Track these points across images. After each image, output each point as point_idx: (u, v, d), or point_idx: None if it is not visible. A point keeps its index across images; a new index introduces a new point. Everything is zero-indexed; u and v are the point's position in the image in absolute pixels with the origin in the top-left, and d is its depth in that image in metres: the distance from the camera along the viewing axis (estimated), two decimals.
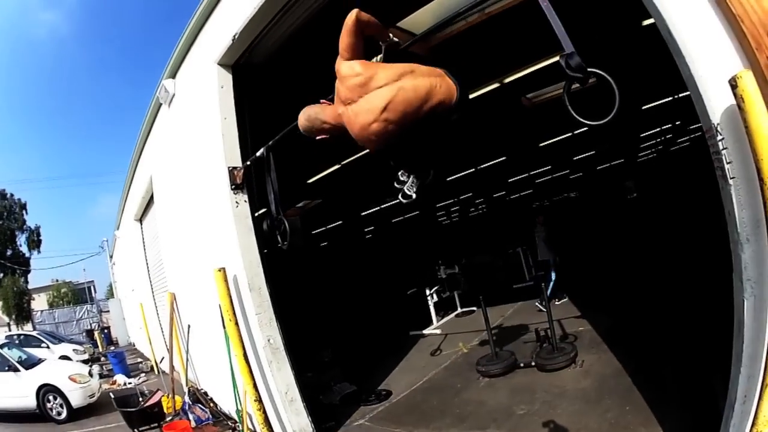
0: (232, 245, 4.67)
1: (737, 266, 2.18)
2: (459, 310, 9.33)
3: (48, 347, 14.64)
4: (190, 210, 5.46)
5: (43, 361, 8.88)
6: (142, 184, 7.87)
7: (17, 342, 13.40)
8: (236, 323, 4.40)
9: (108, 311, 23.29)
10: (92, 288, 35.98)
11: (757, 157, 1.86)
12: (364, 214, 19.94)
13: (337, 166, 10.85)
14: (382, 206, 19.22)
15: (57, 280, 37.03)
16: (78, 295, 35.63)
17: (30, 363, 8.40)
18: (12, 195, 35.91)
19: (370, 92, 2.18)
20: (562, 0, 2.52)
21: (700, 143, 2.43)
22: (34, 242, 35.71)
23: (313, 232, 19.15)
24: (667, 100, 11.94)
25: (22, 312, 30.46)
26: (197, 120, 5.18)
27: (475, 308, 8.64)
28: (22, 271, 33.52)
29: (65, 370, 8.33)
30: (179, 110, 5.64)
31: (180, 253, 6.01)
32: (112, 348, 17.69)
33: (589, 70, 2.24)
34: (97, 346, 18.24)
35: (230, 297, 4.44)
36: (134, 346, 16.15)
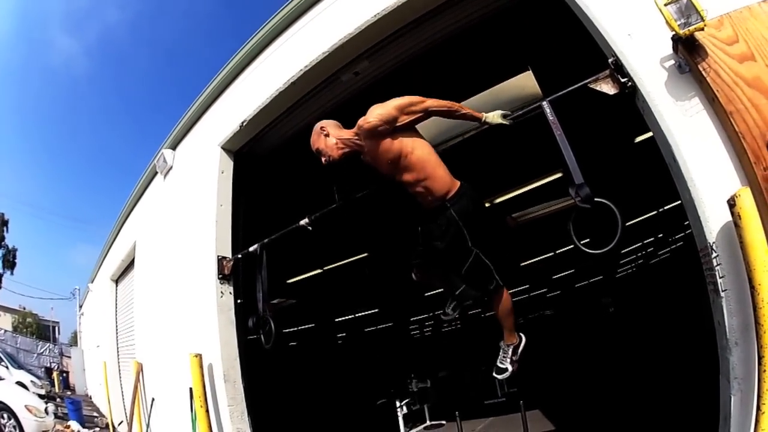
0: (211, 334, 4.64)
1: (725, 368, 2.31)
2: (428, 422, 9.08)
3: (7, 368, 14.14)
4: (172, 287, 5.44)
5: (2, 379, 8.63)
6: (124, 247, 7.82)
7: None
8: (207, 410, 4.35)
9: (69, 357, 22.79)
10: (57, 329, 35.44)
11: (750, 267, 1.99)
12: (338, 320, 20.11)
13: (318, 271, 11.20)
14: (357, 315, 19.50)
15: (24, 308, 36.06)
16: (42, 330, 34.69)
17: None
18: None
19: None
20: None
21: (682, 254, 2.60)
22: (9, 262, 34.57)
23: (285, 331, 18.89)
24: (651, 214, 12.01)
25: None
26: (192, 199, 5.23)
27: (444, 422, 8.61)
28: None
29: (22, 398, 8.28)
30: (175, 183, 5.69)
31: (154, 326, 5.94)
32: (69, 393, 17.10)
33: (596, 200, 2.43)
34: (54, 385, 17.67)
35: (203, 384, 4.40)
36: (91, 398, 15.45)
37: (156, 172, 6.04)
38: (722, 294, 2.28)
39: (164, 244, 5.85)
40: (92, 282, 12.53)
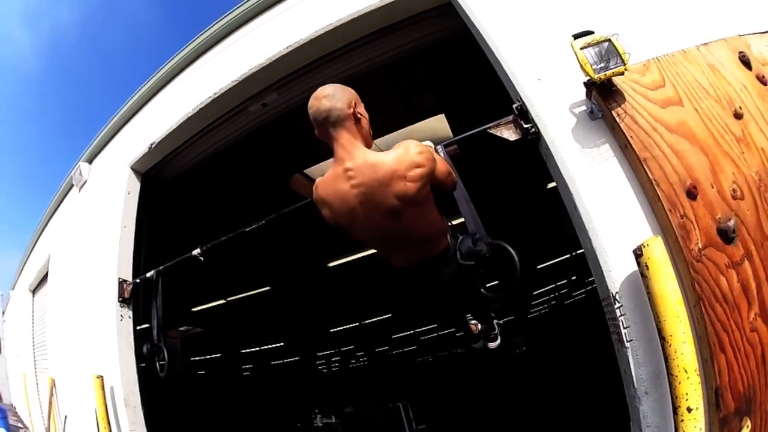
0: (111, 357, 3.64)
1: (635, 416, 1.84)
2: None
3: None
4: (80, 305, 4.30)
5: None
6: (40, 259, 6.34)
7: None
8: None
9: None
10: None
11: (660, 318, 1.52)
12: (244, 351, 17.74)
13: (222, 301, 9.79)
14: (262, 347, 17.45)
15: None
16: None
17: None
18: None
19: None
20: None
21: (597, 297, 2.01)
22: None
23: (192, 359, 16.05)
24: (564, 257, 11.06)
25: None
26: (99, 217, 4.15)
27: None
28: None
29: None
30: (87, 199, 4.56)
31: (64, 342, 4.71)
32: None
33: (493, 242, 1.83)
34: None
35: (106, 406, 3.48)
36: (15, 409, 12.53)
37: (72, 185, 4.80)
38: (627, 344, 1.78)
39: (74, 259, 4.66)
40: (13, 289, 10.30)
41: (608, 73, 1.71)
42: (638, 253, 1.56)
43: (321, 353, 20.73)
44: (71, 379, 4.48)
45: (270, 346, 16.96)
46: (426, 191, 1.63)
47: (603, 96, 1.82)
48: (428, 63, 3.77)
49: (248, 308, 10.45)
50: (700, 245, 1.60)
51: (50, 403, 4.93)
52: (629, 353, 1.77)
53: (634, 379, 1.78)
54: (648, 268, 1.52)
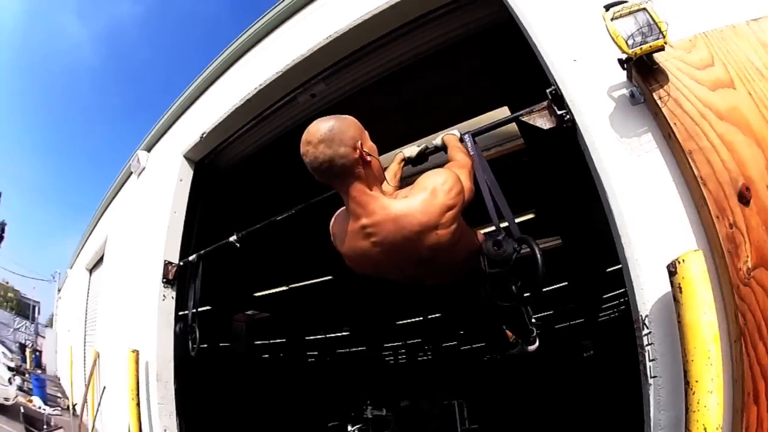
0: (150, 333, 3.80)
1: None
2: None
3: None
4: (128, 284, 4.59)
5: None
6: (98, 240, 6.91)
7: None
8: (138, 404, 3.61)
9: (44, 337, 19.52)
10: (38, 308, 29.68)
11: (687, 357, 1.21)
12: (309, 338, 17.99)
13: (284, 288, 9.83)
14: (326, 335, 17.53)
15: (8, 282, 30.54)
16: (23, 308, 28.95)
17: None
18: None
19: None
20: None
21: None
22: None
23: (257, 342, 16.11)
24: None
25: None
26: (153, 203, 4.38)
27: None
28: None
29: None
30: (144, 185, 4.84)
31: (111, 319, 5.07)
32: (39, 371, 14.68)
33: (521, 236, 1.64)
34: (25, 362, 15.41)
35: (137, 379, 3.65)
36: (59, 380, 13.58)
37: (131, 172, 5.15)
38: (650, 381, 1.46)
39: (128, 241, 4.98)
40: (71, 268, 11.09)
41: (645, 47, 1.42)
42: (672, 270, 1.27)
43: (386, 344, 20.38)
44: (113, 352, 4.78)
45: (334, 335, 17.07)
46: (461, 229, 1.42)
47: (643, 76, 1.53)
48: (480, 52, 3.56)
49: (313, 296, 10.48)
50: (749, 264, 1.26)
51: (92, 374, 5.30)
52: (651, 391, 1.46)
53: (652, 424, 1.47)
54: (681, 291, 1.22)
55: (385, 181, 1.50)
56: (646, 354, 1.47)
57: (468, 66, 3.75)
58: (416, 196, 1.35)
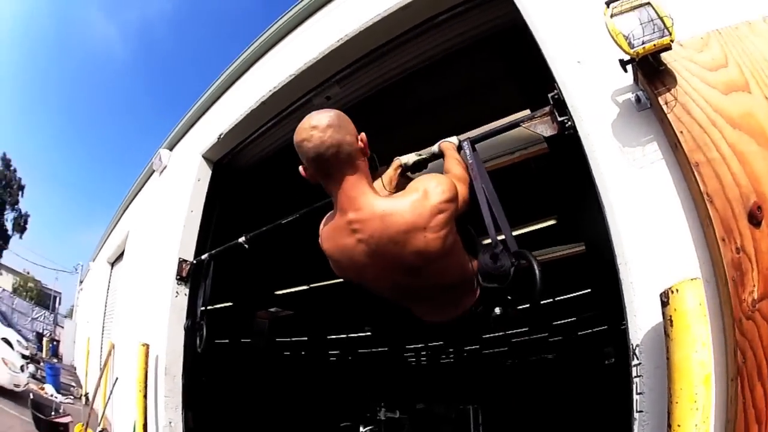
0: (161, 328, 3.88)
1: None
2: None
3: None
4: (144, 280, 4.72)
5: None
6: (120, 235, 7.14)
7: None
8: (145, 396, 3.73)
9: (63, 327, 19.82)
10: (59, 299, 30.24)
11: (672, 398, 1.09)
12: (330, 337, 17.90)
13: (305, 287, 9.80)
14: (350, 335, 17.31)
15: (29, 272, 31.06)
16: (43, 298, 29.28)
17: None
18: (15, 170, 30.39)
19: None
20: None
21: None
22: (20, 226, 30.45)
23: (278, 339, 15.83)
24: None
25: None
26: (172, 201, 4.46)
27: None
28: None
29: (2, 351, 7.59)
30: (165, 183, 4.95)
31: (127, 312, 5.26)
32: (55, 360, 14.92)
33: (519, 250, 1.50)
34: (41, 350, 15.91)
35: (146, 372, 3.76)
36: (75, 369, 13.56)
37: (153, 170, 5.30)
38: (635, 414, 1.33)
39: (147, 237, 5.12)
40: (93, 261, 11.45)
41: (649, 46, 1.27)
42: (664, 301, 1.13)
43: (407, 346, 19.84)
44: (127, 345, 4.87)
45: (355, 335, 16.86)
46: (452, 239, 1.33)
47: (649, 78, 1.38)
48: (498, 55, 3.41)
49: (337, 296, 10.43)
50: (755, 295, 1.09)
51: (106, 365, 5.46)
52: (635, 426, 1.32)
53: None
54: (672, 325, 1.09)
55: (380, 185, 1.48)
56: (634, 386, 1.33)
57: (486, 69, 3.62)
58: (407, 196, 1.30)
